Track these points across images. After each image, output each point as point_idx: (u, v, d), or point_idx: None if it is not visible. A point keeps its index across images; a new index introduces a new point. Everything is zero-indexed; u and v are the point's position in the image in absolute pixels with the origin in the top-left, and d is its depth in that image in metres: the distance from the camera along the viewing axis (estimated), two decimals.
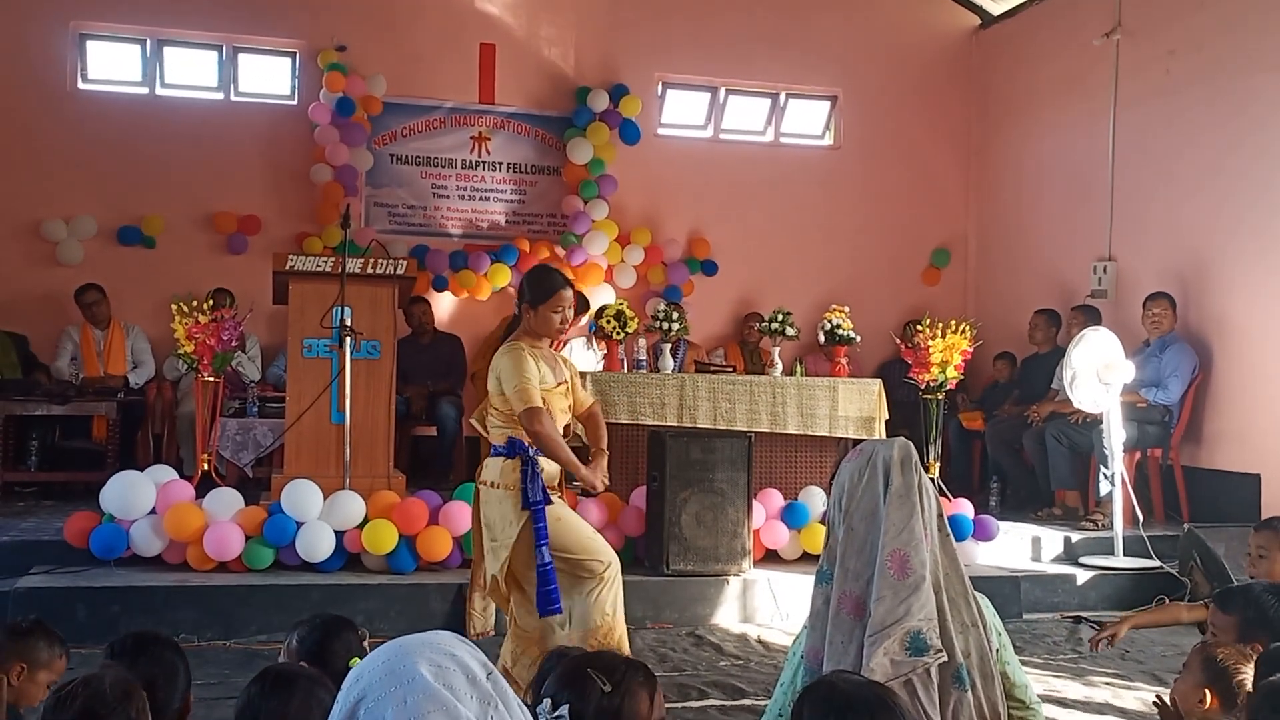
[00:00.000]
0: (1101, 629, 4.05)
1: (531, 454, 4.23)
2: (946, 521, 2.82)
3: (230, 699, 3.79)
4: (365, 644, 2.69)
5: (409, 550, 5.76)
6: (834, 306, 7.65)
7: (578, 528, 4.36)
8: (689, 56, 9.78)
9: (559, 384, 4.37)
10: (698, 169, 9.80)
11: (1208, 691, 2.85)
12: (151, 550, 5.67)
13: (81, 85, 8.83)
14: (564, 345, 8.62)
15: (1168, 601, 6.13)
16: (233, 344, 6.70)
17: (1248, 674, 2.85)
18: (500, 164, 9.49)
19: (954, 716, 2.66)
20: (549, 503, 4.23)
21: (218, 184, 8.89)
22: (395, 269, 6.30)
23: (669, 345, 7.19)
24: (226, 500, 5.75)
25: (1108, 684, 5.00)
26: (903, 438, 2.86)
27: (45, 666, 2.93)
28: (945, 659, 2.65)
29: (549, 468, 4.31)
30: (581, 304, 8.62)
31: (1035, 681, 4.68)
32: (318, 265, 6.17)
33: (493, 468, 4.32)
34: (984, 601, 2.83)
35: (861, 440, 6.10)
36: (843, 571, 2.74)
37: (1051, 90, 9.30)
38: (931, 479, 5.93)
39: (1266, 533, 4.29)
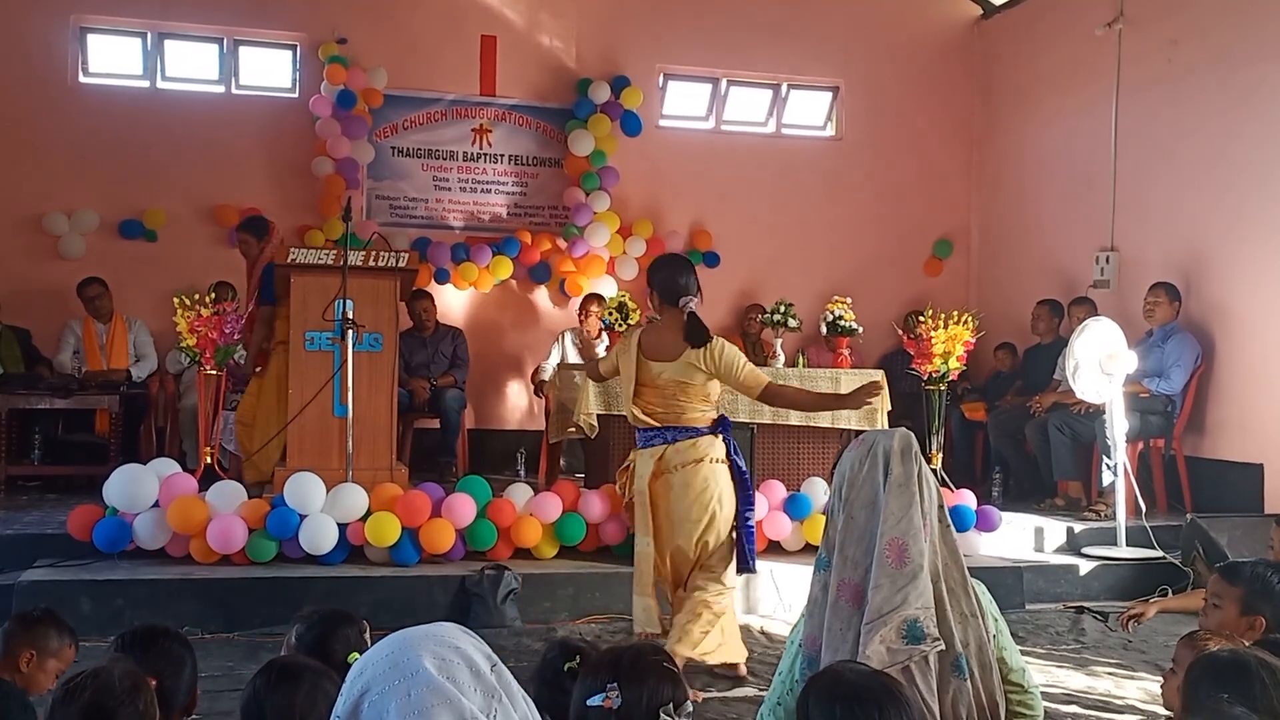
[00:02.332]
0: (1131, 608, 4.11)
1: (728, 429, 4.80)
2: (947, 512, 2.83)
3: (234, 691, 3.81)
4: (366, 636, 2.69)
5: (412, 543, 5.77)
6: (836, 298, 7.64)
7: None
8: (690, 47, 9.76)
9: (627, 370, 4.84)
10: (699, 160, 9.79)
11: None
12: (155, 543, 5.67)
13: (83, 79, 8.82)
14: (559, 338, 8.66)
15: (1170, 592, 6.16)
16: (235, 337, 6.71)
17: None
18: (502, 156, 9.48)
19: (953, 705, 2.67)
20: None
21: (219, 177, 8.88)
22: (397, 262, 6.30)
23: None
24: (229, 493, 5.76)
25: (1110, 674, 5.01)
26: (904, 428, 2.87)
27: (54, 655, 2.98)
28: (942, 647, 2.66)
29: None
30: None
31: (1038, 672, 4.70)
32: (319, 258, 6.17)
33: (710, 445, 4.72)
34: (980, 588, 2.84)
35: (863, 431, 6.18)
36: (842, 559, 2.75)
37: (1053, 80, 9.27)
38: (934, 470, 5.94)
39: None
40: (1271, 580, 3.31)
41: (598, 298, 8.69)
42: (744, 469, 4.78)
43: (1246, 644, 2.92)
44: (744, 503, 4.76)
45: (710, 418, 4.75)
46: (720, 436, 4.75)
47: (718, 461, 4.71)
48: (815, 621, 2.79)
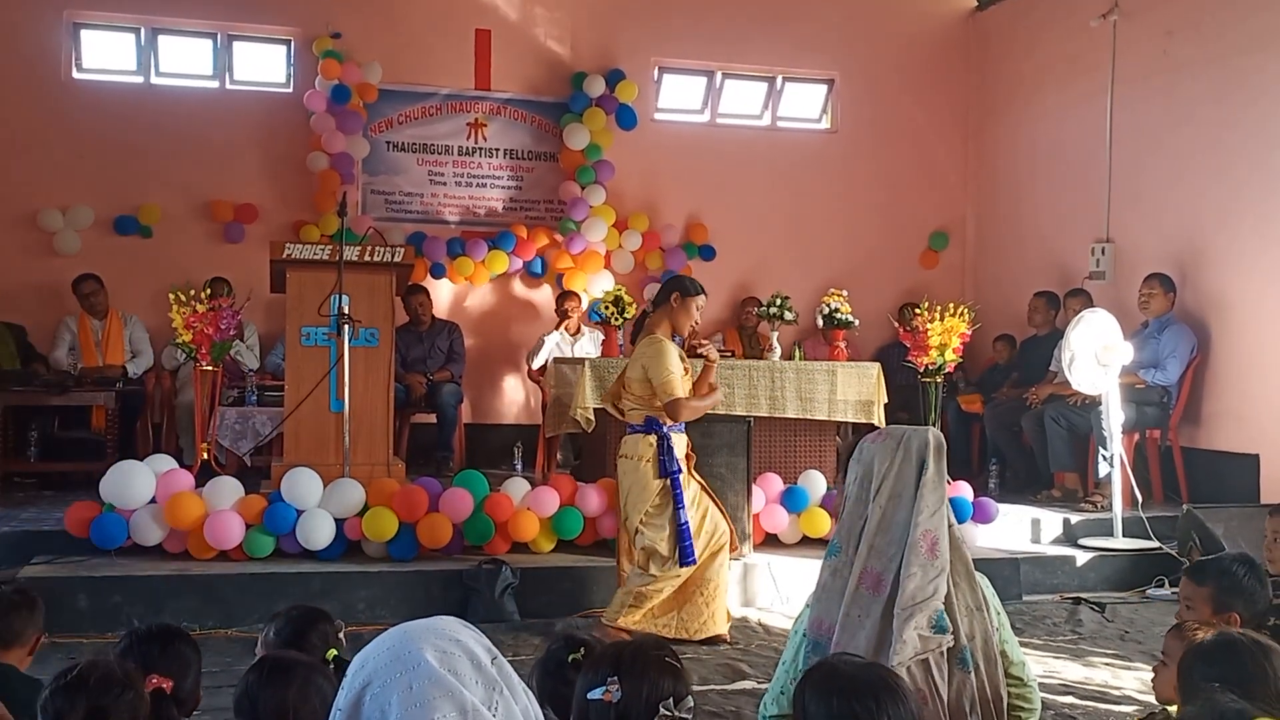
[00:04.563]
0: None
1: (665, 431, 5.05)
2: (950, 508, 2.88)
3: (232, 687, 3.80)
4: (341, 636, 2.67)
5: (409, 537, 5.77)
6: (832, 290, 7.64)
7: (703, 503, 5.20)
8: (685, 41, 9.75)
9: (685, 372, 5.19)
10: (695, 154, 9.78)
11: None
12: (152, 539, 5.67)
13: (76, 75, 8.80)
14: (541, 341, 8.69)
15: (1167, 583, 6.17)
16: (231, 333, 6.70)
17: None
18: (497, 150, 9.46)
19: (957, 697, 2.71)
20: (681, 472, 5.05)
21: (214, 173, 8.87)
22: (393, 256, 6.29)
23: None
24: (226, 489, 5.76)
25: (1107, 664, 5.03)
26: (934, 428, 2.92)
27: (44, 631, 3.09)
28: (953, 641, 2.70)
29: (679, 448, 5.11)
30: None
31: (1035, 663, 4.71)
32: (315, 253, 6.17)
33: (631, 443, 5.12)
34: (984, 581, 2.87)
35: (860, 425, 6.23)
36: (866, 549, 2.79)
37: (1049, 72, 9.27)
38: None
39: None
40: (1239, 575, 3.26)
41: (575, 295, 8.77)
42: (670, 469, 5.02)
43: None
44: (677, 500, 5.04)
45: (641, 415, 5.13)
46: (641, 435, 5.10)
47: (629, 458, 5.11)
48: (823, 606, 2.82)
